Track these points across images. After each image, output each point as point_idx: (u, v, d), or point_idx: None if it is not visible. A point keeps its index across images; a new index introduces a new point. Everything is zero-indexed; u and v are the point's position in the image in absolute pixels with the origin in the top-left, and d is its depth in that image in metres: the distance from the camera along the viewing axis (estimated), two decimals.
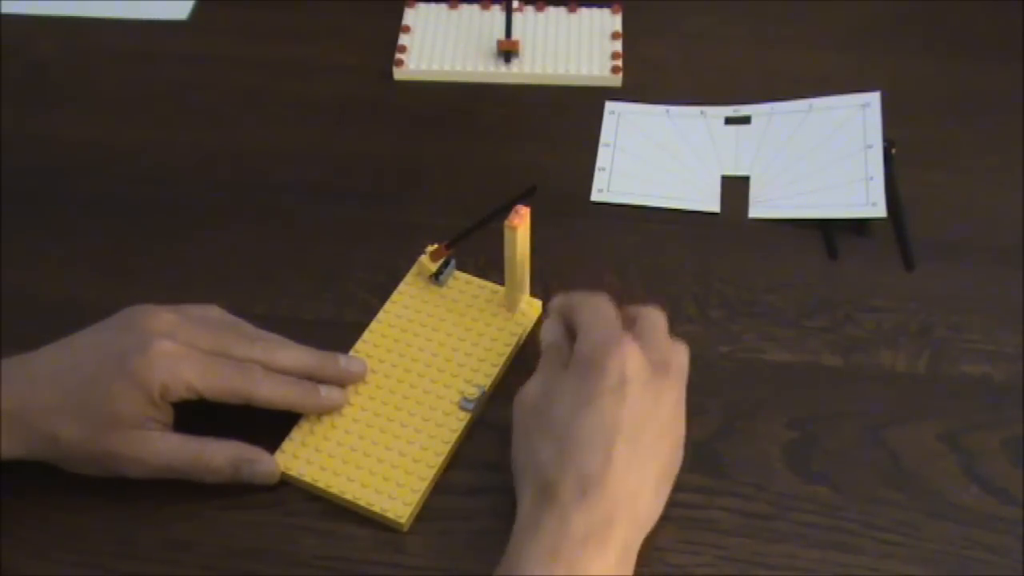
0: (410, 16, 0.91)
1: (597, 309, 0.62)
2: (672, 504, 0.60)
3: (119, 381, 0.59)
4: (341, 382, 0.65)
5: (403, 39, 0.89)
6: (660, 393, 0.59)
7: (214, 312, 0.65)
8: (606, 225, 0.76)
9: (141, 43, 0.90)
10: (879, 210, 0.75)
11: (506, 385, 0.65)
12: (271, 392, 0.62)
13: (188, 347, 0.61)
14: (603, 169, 0.80)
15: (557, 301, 0.65)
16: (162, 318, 0.61)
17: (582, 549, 0.54)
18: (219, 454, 0.61)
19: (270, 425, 0.63)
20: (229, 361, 0.61)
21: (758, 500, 0.62)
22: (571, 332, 0.63)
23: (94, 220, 0.77)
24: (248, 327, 0.65)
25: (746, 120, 0.82)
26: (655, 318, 0.63)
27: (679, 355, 0.62)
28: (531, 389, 0.61)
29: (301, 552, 0.60)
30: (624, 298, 0.64)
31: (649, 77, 0.86)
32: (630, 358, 0.59)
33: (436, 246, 0.69)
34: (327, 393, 0.64)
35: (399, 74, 0.87)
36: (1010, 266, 0.73)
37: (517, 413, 0.61)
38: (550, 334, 0.64)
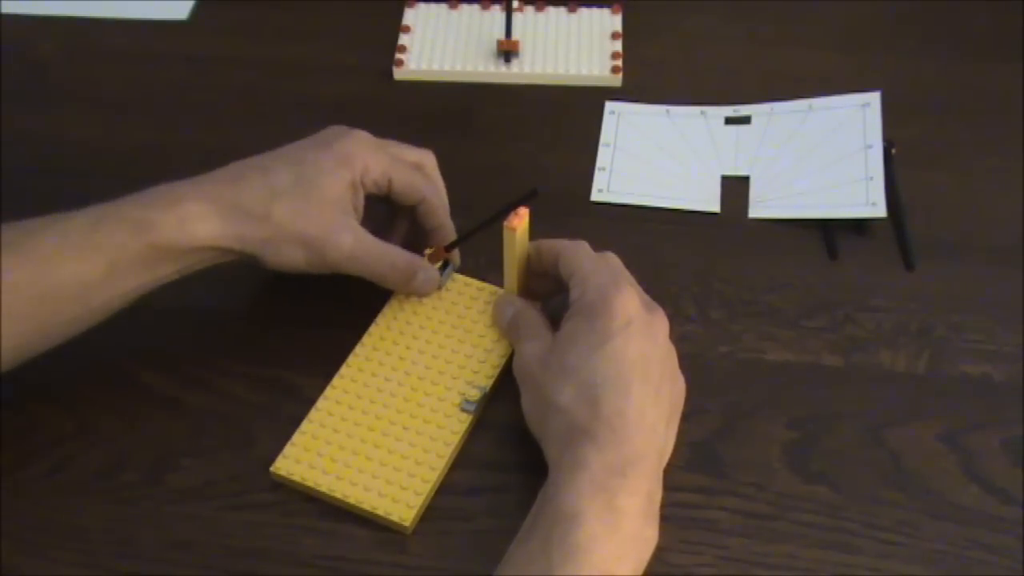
0: (410, 16, 0.91)
1: (589, 255, 0.64)
2: (672, 504, 0.60)
3: (329, 161, 0.65)
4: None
5: (403, 39, 0.89)
6: (655, 329, 0.61)
7: None
8: (606, 225, 0.76)
9: (141, 43, 0.90)
10: (879, 210, 0.75)
11: (506, 386, 0.65)
12: (438, 203, 0.68)
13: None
14: (603, 169, 0.80)
15: (535, 248, 0.66)
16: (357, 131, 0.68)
17: (620, 480, 0.55)
18: (402, 256, 0.67)
19: (272, 425, 0.64)
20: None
21: (758, 500, 0.62)
22: (532, 292, 0.67)
23: None
24: None
25: (746, 120, 0.82)
26: (618, 260, 0.64)
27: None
28: (529, 350, 0.63)
29: (301, 552, 0.60)
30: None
31: (649, 77, 0.86)
32: (630, 299, 0.60)
33: (435, 248, 0.69)
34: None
35: (399, 74, 0.87)
36: (1010, 266, 0.73)
37: (523, 374, 0.63)
38: (509, 307, 0.66)
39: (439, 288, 0.69)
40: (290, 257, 0.65)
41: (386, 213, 0.71)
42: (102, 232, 0.61)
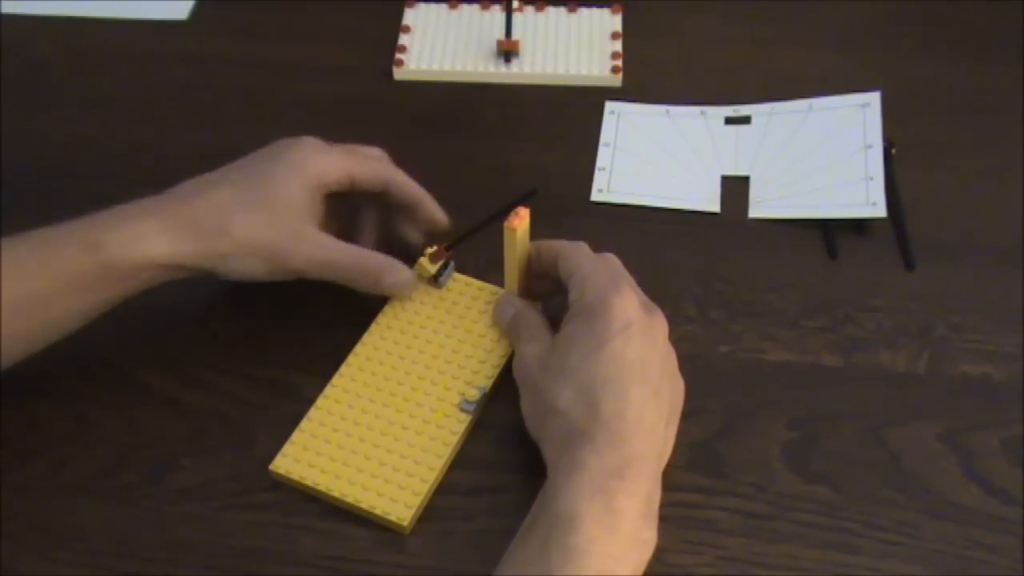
0: (410, 16, 0.91)
1: (588, 256, 0.64)
2: (672, 504, 0.60)
3: (281, 170, 0.65)
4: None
5: (403, 39, 0.89)
6: (654, 331, 0.61)
7: None
8: (606, 225, 0.76)
9: (141, 43, 0.90)
10: (879, 210, 0.75)
11: (506, 386, 0.65)
12: (405, 179, 0.68)
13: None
14: (603, 169, 0.80)
15: (535, 249, 0.66)
16: (305, 137, 0.68)
17: (619, 481, 0.55)
18: (372, 260, 0.66)
19: (272, 425, 0.64)
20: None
21: (758, 500, 0.62)
22: (532, 293, 0.67)
23: None
24: None
25: (746, 120, 0.82)
26: (617, 261, 0.64)
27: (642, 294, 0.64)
28: (528, 351, 0.63)
29: (301, 552, 0.60)
30: None
31: (649, 77, 0.86)
32: (629, 301, 0.60)
33: (435, 248, 0.69)
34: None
35: (399, 74, 0.87)
36: (1010, 266, 0.73)
37: (522, 376, 0.63)
38: (509, 308, 0.66)
39: (440, 288, 0.70)
40: (249, 268, 0.65)
41: (351, 215, 0.70)
42: (52, 250, 0.61)
